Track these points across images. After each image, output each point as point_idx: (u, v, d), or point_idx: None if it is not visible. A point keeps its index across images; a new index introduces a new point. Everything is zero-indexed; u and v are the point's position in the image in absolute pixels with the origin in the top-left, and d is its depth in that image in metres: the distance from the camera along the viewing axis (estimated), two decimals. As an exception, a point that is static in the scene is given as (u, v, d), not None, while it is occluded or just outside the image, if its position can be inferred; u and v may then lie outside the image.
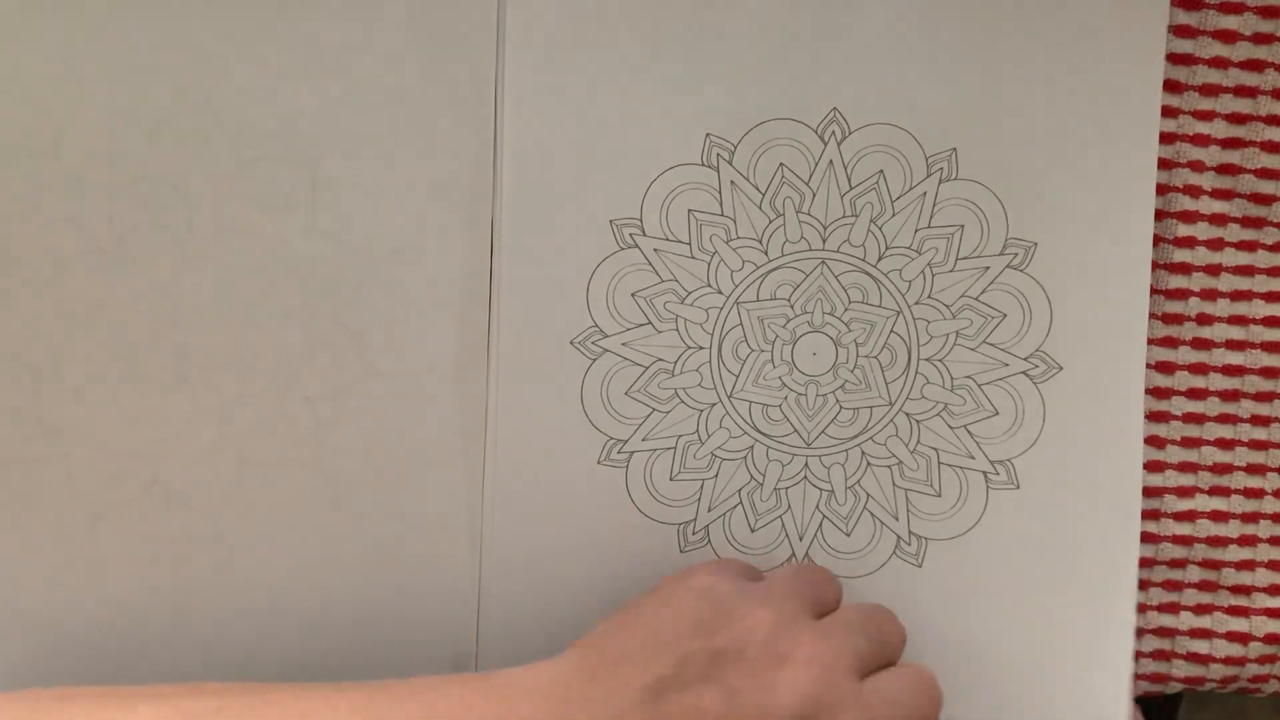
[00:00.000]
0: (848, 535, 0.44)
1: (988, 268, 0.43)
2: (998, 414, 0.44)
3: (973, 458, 0.44)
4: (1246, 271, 0.45)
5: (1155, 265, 0.44)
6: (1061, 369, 0.43)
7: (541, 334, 0.42)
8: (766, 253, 0.42)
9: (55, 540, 0.41)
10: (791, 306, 0.43)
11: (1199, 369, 0.45)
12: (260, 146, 0.40)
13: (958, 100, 0.42)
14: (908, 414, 0.44)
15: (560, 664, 0.36)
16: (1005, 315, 0.43)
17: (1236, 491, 0.46)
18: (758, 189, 0.42)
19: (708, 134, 0.42)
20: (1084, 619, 0.45)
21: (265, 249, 0.41)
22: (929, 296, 0.43)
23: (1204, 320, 0.45)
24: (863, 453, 0.44)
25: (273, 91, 0.40)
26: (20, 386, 0.40)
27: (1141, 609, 0.46)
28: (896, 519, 0.44)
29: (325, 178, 0.41)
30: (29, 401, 0.40)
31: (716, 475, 0.44)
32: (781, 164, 0.42)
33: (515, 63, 0.41)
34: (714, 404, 0.43)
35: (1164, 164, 0.44)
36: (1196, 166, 0.44)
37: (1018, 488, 0.44)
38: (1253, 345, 0.45)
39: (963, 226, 0.43)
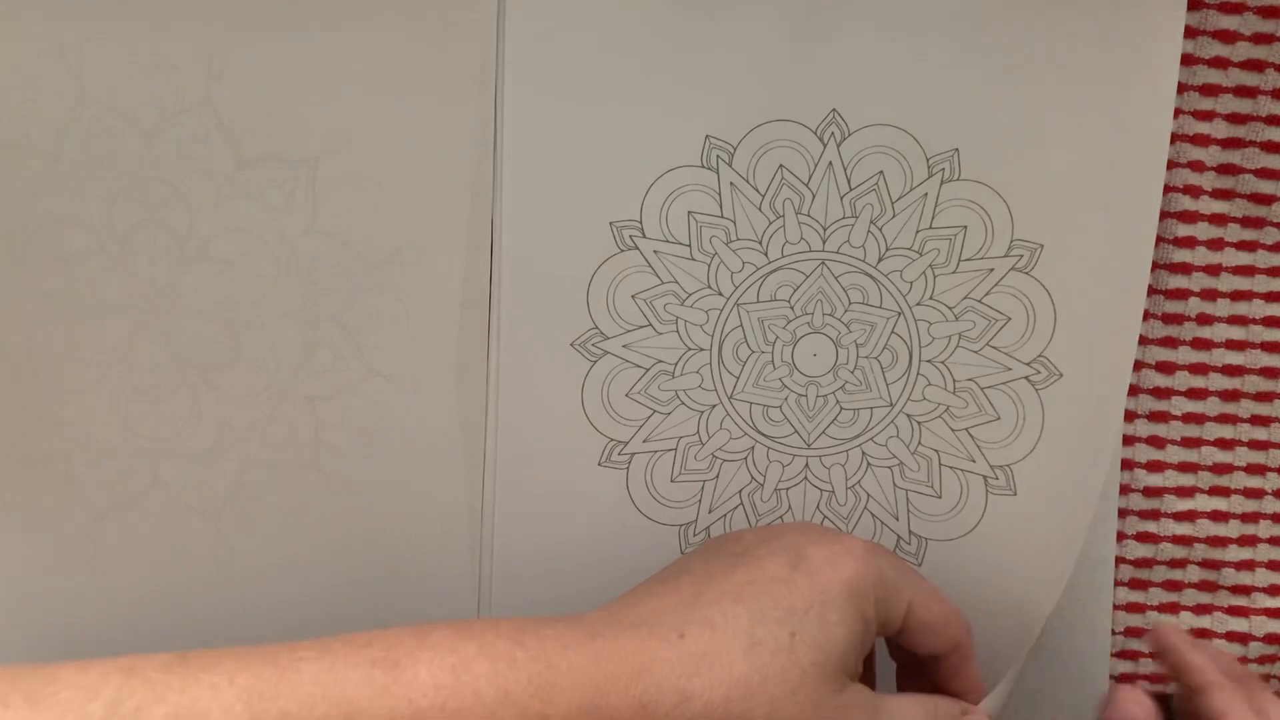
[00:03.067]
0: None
1: (992, 269, 0.43)
2: (999, 419, 0.44)
3: (973, 461, 0.44)
4: (1246, 271, 0.45)
5: (1155, 265, 0.44)
6: (1062, 376, 0.43)
7: (541, 335, 0.42)
8: (766, 254, 0.42)
9: (55, 540, 0.41)
10: (791, 308, 0.43)
11: (1199, 369, 0.45)
12: (260, 146, 0.40)
13: (959, 100, 0.42)
14: (909, 415, 0.44)
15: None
16: (1009, 319, 0.43)
17: (1236, 491, 0.46)
18: (757, 190, 0.42)
19: (707, 135, 0.41)
20: (1069, 622, 0.45)
21: (265, 249, 0.41)
22: (931, 298, 0.43)
23: (1204, 320, 0.45)
24: (863, 453, 0.44)
25: (273, 92, 0.40)
26: (21, 386, 0.40)
27: (1141, 609, 0.46)
28: (897, 519, 0.44)
29: (325, 178, 0.40)
30: (29, 401, 0.40)
31: (717, 476, 0.44)
32: (781, 165, 0.42)
33: (515, 64, 0.41)
34: (714, 405, 0.43)
35: (1164, 164, 0.44)
36: (1196, 166, 0.44)
37: (1015, 494, 0.44)
38: (1253, 345, 0.45)
39: (965, 227, 0.43)
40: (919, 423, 0.44)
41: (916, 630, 0.38)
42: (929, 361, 0.43)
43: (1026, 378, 0.44)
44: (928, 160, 0.42)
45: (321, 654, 0.31)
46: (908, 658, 0.43)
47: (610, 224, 0.42)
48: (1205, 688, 0.40)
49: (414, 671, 0.31)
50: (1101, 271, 0.43)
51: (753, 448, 0.44)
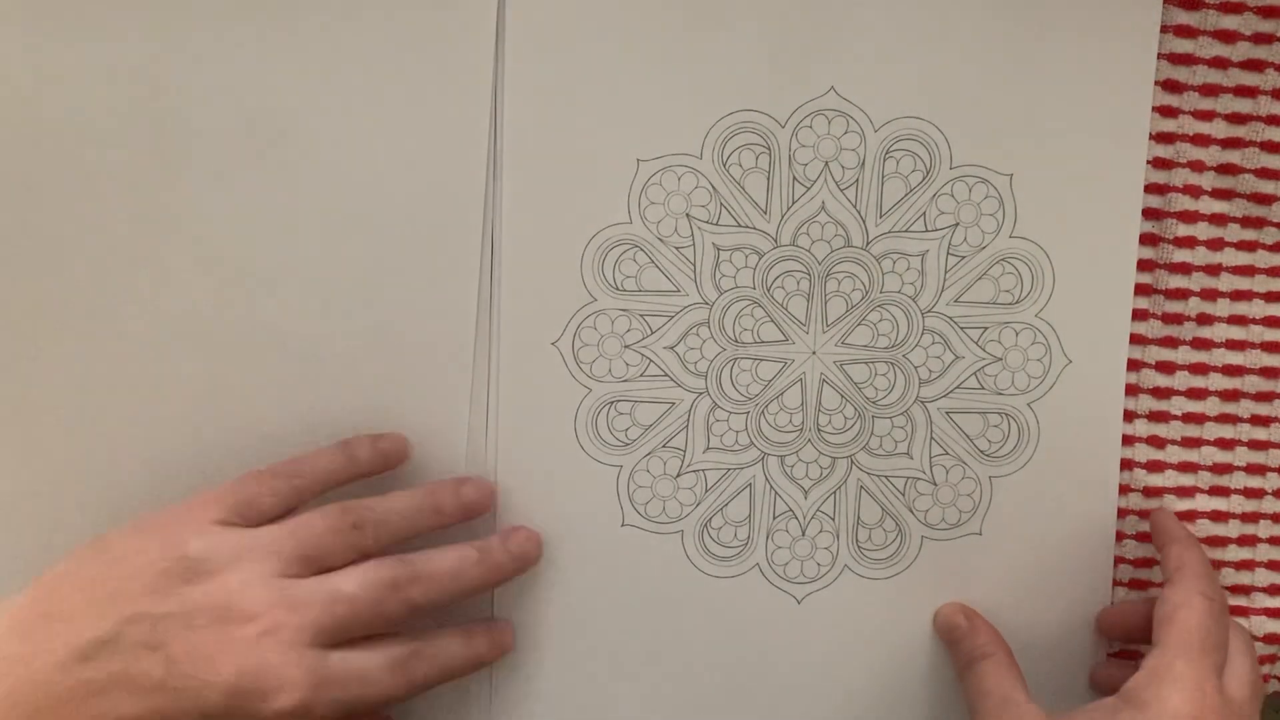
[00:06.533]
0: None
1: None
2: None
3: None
4: (1246, 271, 0.45)
5: (1155, 265, 0.44)
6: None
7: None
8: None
9: (54, 543, 0.41)
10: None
11: (1199, 369, 0.45)
12: (259, 149, 0.40)
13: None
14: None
15: (1, 613, 0.34)
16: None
17: (1236, 491, 0.45)
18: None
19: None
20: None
21: (265, 250, 0.41)
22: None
23: (1204, 320, 0.45)
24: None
25: (272, 93, 0.40)
26: (18, 386, 0.40)
27: (1141, 609, 0.46)
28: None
29: (325, 178, 0.41)
30: (31, 401, 0.40)
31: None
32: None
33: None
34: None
35: (1164, 164, 0.44)
36: (1196, 166, 0.44)
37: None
38: (1253, 345, 0.45)
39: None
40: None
41: None
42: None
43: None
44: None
45: None
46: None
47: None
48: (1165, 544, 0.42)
49: None
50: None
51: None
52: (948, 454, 0.44)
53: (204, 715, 0.33)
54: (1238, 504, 0.45)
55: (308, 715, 0.34)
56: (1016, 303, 0.43)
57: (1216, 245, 0.45)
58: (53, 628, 0.33)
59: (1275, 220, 0.44)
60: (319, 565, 0.37)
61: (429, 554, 0.39)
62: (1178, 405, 0.45)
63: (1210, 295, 0.45)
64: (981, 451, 0.44)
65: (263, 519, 0.37)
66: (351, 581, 0.36)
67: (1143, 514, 0.45)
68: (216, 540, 0.35)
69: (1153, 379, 0.45)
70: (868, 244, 0.43)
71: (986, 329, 0.43)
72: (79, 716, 0.32)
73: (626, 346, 0.43)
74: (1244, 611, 0.46)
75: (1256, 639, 0.46)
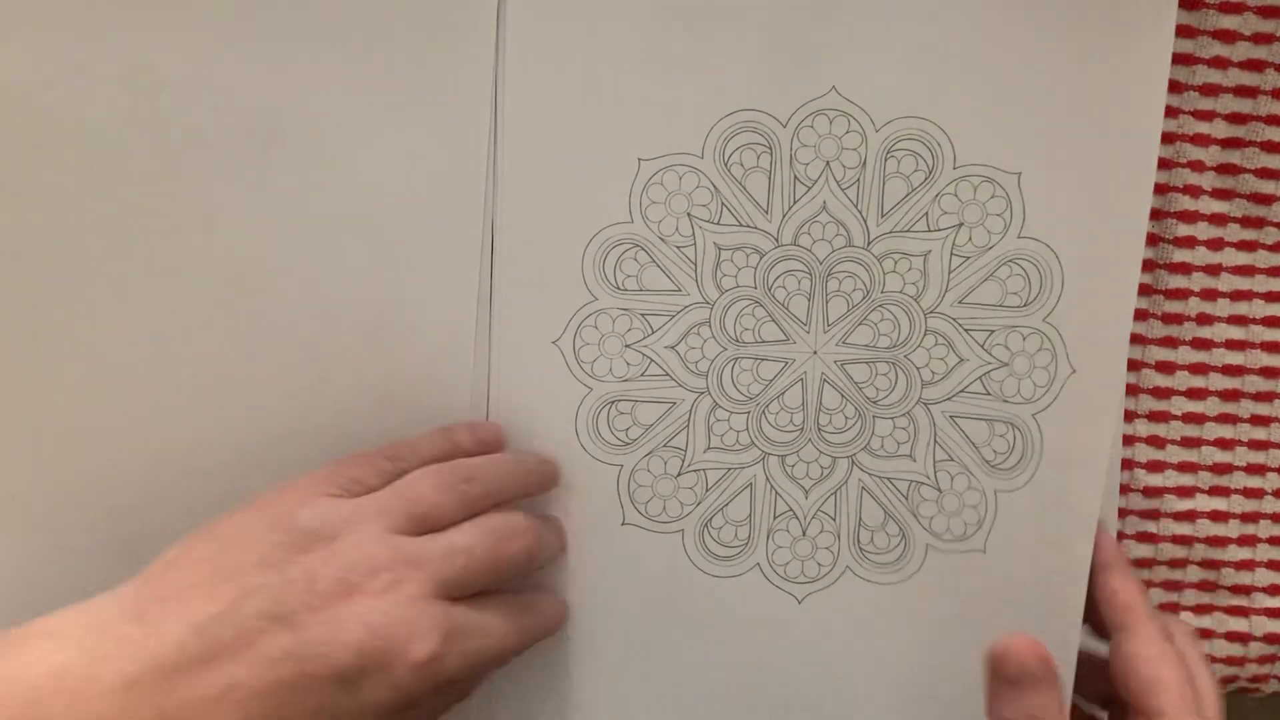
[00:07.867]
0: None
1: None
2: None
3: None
4: (1246, 271, 0.45)
5: (1155, 265, 0.44)
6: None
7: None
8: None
9: (54, 546, 0.41)
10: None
11: (1199, 369, 0.45)
12: (259, 149, 0.40)
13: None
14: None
15: (111, 599, 0.33)
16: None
17: (1236, 491, 0.46)
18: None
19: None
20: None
21: (265, 250, 0.41)
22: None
23: (1204, 320, 0.45)
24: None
25: (272, 93, 0.40)
26: (18, 386, 0.40)
27: (1141, 609, 0.46)
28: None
29: (325, 178, 0.40)
30: (27, 401, 0.40)
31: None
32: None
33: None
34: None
35: (1164, 164, 0.44)
36: (1196, 166, 0.44)
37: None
38: (1253, 345, 0.45)
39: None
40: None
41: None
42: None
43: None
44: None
45: None
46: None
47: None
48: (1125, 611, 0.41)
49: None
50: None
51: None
52: (952, 460, 0.44)
53: (337, 678, 0.33)
54: (1238, 504, 0.46)
55: (440, 667, 0.34)
56: (1024, 305, 0.43)
57: (1216, 245, 0.45)
58: (167, 607, 0.32)
59: (1275, 220, 0.45)
60: (428, 524, 0.37)
61: (523, 514, 0.39)
62: (1178, 405, 0.45)
63: (1210, 295, 0.45)
64: (987, 462, 0.44)
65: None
66: (466, 535, 0.37)
67: (1143, 514, 0.45)
68: (325, 509, 0.35)
69: (1153, 379, 0.45)
70: (869, 244, 0.43)
71: (993, 332, 0.43)
72: (202, 694, 0.31)
73: (627, 346, 0.42)
74: (1244, 612, 0.46)
75: (1256, 639, 0.46)
